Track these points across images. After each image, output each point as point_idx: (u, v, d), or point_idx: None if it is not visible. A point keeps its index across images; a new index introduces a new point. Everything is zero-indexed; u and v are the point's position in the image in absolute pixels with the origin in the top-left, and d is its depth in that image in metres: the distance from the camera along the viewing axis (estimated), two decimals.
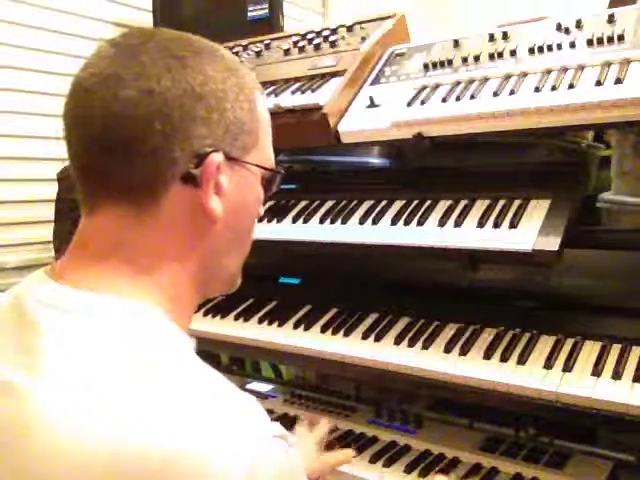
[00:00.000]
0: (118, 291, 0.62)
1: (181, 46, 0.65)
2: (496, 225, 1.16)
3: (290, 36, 1.69)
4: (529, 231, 1.11)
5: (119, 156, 0.62)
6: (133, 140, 0.62)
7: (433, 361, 1.18)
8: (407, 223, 1.27)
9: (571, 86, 1.11)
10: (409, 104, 1.29)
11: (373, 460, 1.26)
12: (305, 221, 1.42)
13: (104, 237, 0.64)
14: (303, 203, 1.49)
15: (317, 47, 1.57)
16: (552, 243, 1.07)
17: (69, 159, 0.67)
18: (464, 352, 1.18)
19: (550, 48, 1.24)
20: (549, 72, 1.19)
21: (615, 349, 1.11)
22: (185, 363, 0.59)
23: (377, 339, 1.29)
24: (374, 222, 1.31)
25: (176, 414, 0.53)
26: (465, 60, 1.33)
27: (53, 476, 0.52)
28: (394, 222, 1.29)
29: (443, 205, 1.29)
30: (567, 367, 1.08)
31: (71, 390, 0.54)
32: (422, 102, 1.27)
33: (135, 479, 0.50)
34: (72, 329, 0.58)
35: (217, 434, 0.53)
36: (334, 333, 1.35)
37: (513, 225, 1.14)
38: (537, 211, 1.16)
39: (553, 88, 1.13)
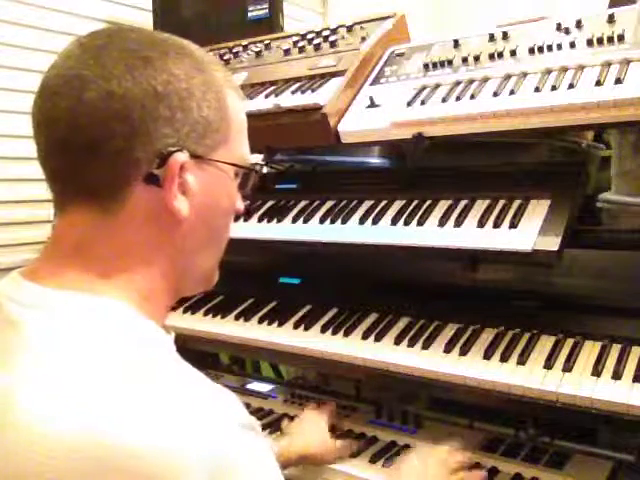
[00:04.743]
0: (89, 289, 0.62)
1: (146, 46, 0.65)
2: (496, 225, 1.17)
3: (290, 36, 1.69)
4: (529, 231, 1.11)
5: (83, 158, 0.63)
6: (95, 142, 0.62)
7: (433, 361, 1.18)
8: (407, 223, 1.27)
9: (571, 86, 1.11)
10: (409, 104, 1.28)
11: (373, 460, 1.26)
12: (305, 221, 1.42)
13: (74, 237, 0.65)
14: (303, 203, 1.49)
15: (317, 47, 1.57)
16: (552, 243, 1.07)
17: (38, 159, 0.67)
18: (464, 352, 1.18)
19: (550, 48, 1.24)
20: (549, 72, 1.19)
21: (615, 349, 1.11)
22: (155, 359, 0.60)
23: (377, 339, 1.29)
24: (374, 222, 1.31)
25: (141, 409, 0.54)
26: (465, 60, 1.33)
27: (28, 473, 0.52)
28: (394, 222, 1.29)
29: (443, 205, 1.29)
30: (567, 367, 1.08)
31: (46, 388, 0.55)
32: (422, 102, 1.27)
33: (104, 474, 0.51)
34: (48, 328, 0.59)
35: (181, 427, 0.54)
36: (334, 333, 1.35)
37: (513, 225, 1.14)
38: (537, 211, 1.16)
39: (553, 88, 1.13)
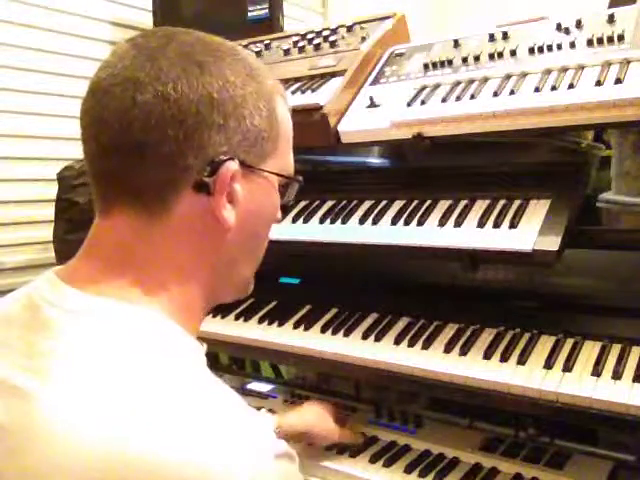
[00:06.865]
0: (129, 298, 0.61)
1: (202, 50, 0.64)
2: (496, 225, 1.16)
3: (290, 36, 1.69)
4: (529, 231, 1.11)
5: (132, 160, 0.62)
6: (147, 145, 0.61)
7: (433, 361, 1.18)
8: (407, 223, 1.27)
9: (571, 86, 1.11)
10: (409, 104, 1.28)
11: (373, 460, 1.26)
12: (305, 221, 1.42)
13: (116, 241, 0.64)
14: (303, 203, 1.49)
15: (317, 47, 1.57)
16: (552, 243, 1.06)
17: (84, 159, 0.66)
18: (464, 352, 1.18)
19: (550, 48, 1.24)
20: (549, 72, 1.19)
21: (615, 349, 1.11)
22: (195, 376, 0.59)
23: (377, 339, 1.29)
24: (374, 222, 1.31)
25: (182, 425, 0.53)
26: (465, 60, 1.33)
27: None
28: (394, 222, 1.29)
29: (443, 205, 1.29)
30: (567, 367, 1.08)
31: (79, 396, 0.54)
32: (422, 102, 1.27)
33: None
34: (83, 334, 0.58)
35: (222, 448, 0.53)
36: (334, 333, 1.35)
37: (513, 225, 1.14)
38: (537, 211, 1.16)
39: (553, 88, 1.13)
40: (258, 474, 0.53)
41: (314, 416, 1.31)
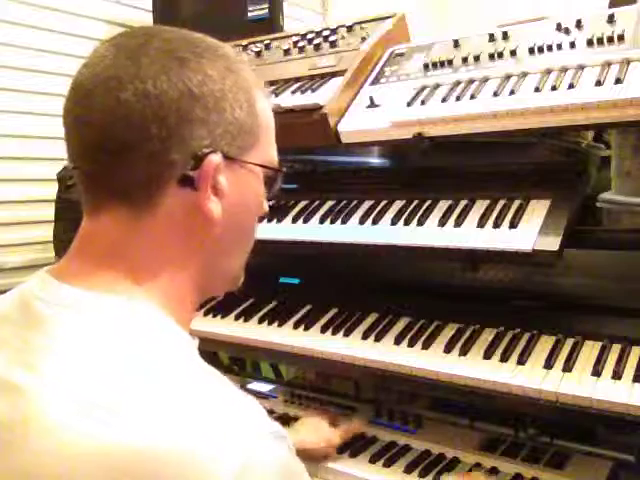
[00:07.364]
0: (121, 291, 0.62)
1: (182, 46, 0.65)
2: (496, 225, 1.17)
3: (290, 36, 1.69)
4: (529, 231, 1.11)
5: (117, 159, 0.62)
6: (130, 144, 0.61)
7: (433, 361, 1.18)
8: (407, 223, 1.27)
9: (571, 86, 1.11)
10: (409, 104, 1.28)
11: (373, 460, 1.26)
12: (305, 221, 1.42)
13: (105, 239, 0.65)
14: (303, 203, 1.49)
15: (317, 47, 1.57)
16: (552, 243, 1.07)
17: (69, 160, 0.67)
18: (464, 352, 1.18)
19: (550, 48, 1.24)
20: (549, 72, 1.19)
21: (615, 349, 1.11)
22: (185, 363, 0.60)
23: (377, 339, 1.29)
24: (374, 222, 1.31)
25: (173, 414, 0.54)
26: (465, 60, 1.33)
27: (50, 477, 0.52)
28: (394, 222, 1.29)
29: (443, 205, 1.29)
30: (567, 367, 1.08)
31: (72, 391, 0.54)
32: (422, 102, 1.27)
33: (131, 478, 0.51)
34: (75, 329, 0.59)
35: (210, 431, 0.53)
36: (334, 333, 1.35)
37: (513, 225, 1.14)
38: (537, 211, 1.16)
39: (553, 88, 1.13)
40: (254, 454, 0.54)
41: (305, 429, 1.30)
